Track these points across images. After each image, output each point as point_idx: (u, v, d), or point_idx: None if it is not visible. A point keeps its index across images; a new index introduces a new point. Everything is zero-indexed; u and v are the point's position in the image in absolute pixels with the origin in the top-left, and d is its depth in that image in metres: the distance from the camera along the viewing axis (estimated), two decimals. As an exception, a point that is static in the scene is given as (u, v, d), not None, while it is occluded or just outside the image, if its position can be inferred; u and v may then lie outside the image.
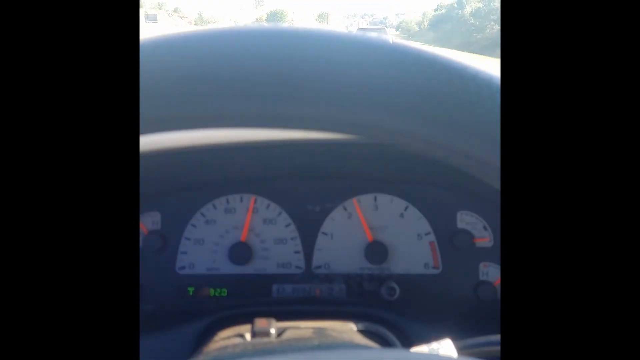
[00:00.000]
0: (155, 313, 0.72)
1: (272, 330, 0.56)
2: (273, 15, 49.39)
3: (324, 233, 0.76)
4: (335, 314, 0.64)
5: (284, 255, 0.76)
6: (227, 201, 0.76)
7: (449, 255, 0.76)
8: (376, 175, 0.77)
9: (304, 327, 0.59)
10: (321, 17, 78.04)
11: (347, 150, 0.69)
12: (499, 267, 0.75)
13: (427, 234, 0.76)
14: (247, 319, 0.59)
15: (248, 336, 0.56)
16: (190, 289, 0.74)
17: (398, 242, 0.76)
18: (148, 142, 0.61)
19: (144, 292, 0.73)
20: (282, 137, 0.65)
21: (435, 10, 70.60)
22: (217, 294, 0.74)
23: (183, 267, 0.74)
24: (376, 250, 0.75)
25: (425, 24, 61.22)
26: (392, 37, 13.29)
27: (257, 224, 0.76)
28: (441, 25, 51.73)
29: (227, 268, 0.75)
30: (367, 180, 0.77)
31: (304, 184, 0.77)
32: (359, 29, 13.72)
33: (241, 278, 0.74)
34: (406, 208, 0.76)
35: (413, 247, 0.76)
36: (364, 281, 0.75)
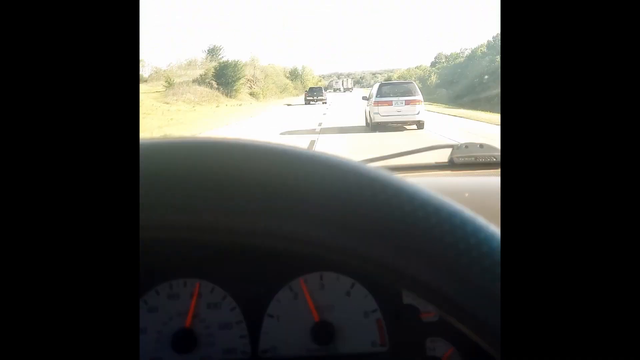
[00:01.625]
0: None
1: None
2: (224, 67, 44.93)
3: (270, 315, 0.75)
4: None
5: (229, 340, 0.74)
6: (170, 287, 0.75)
7: (396, 332, 0.75)
8: (321, 253, 0.77)
9: None
10: (293, 74, 78.48)
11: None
12: (446, 341, 0.75)
13: (373, 311, 0.76)
14: None
15: None
16: None
17: (345, 321, 0.75)
18: None
19: None
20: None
21: (435, 64, 68.90)
22: None
23: None
24: (323, 331, 0.74)
25: (434, 78, 56.78)
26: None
27: (201, 309, 0.75)
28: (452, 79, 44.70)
29: (171, 357, 0.73)
30: (312, 259, 0.77)
31: (249, 265, 0.77)
32: (381, 84, 13.51)
33: None
34: (352, 285, 0.76)
35: (360, 326, 0.75)
36: None
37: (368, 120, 14.03)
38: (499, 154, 1.04)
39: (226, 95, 43.75)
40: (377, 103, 12.82)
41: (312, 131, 13.67)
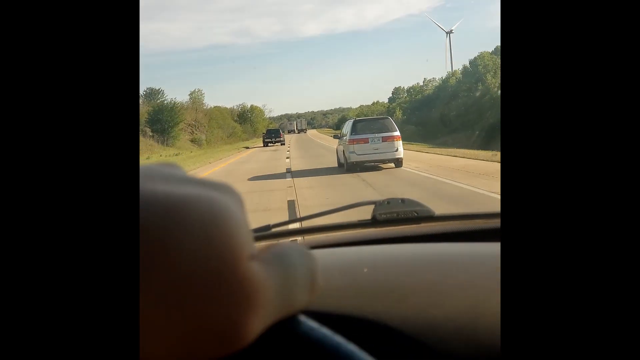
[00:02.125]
0: None
1: None
2: (160, 111, 39.74)
3: None
4: None
5: None
6: None
7: None
8: None
9: None
10: (241, 117, 72.95)
11: None
12: None
13: None
14: None
15: None
16: None
17: None
18: None
19: None
20: None
21: (392, 100, 65.52)
22: None
23: None
24: None
25: (399, 114, 49.95)
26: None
27: None
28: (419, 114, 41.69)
29: None
30: None
31: None
32: (355, 121, 12.41)
33: None
34: None
35: None
36: None
37: (342, 161, 13.05)
38: (421, 208, 1.08)
39: (162, 143, 38.80)
40: (352, 141, 11.83)
41: (283, 176, 12.53)
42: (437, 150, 19.52)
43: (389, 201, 1.09)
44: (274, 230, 1.12)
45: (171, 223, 0.21)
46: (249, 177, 12.76)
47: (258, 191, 9.55)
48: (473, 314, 0.58)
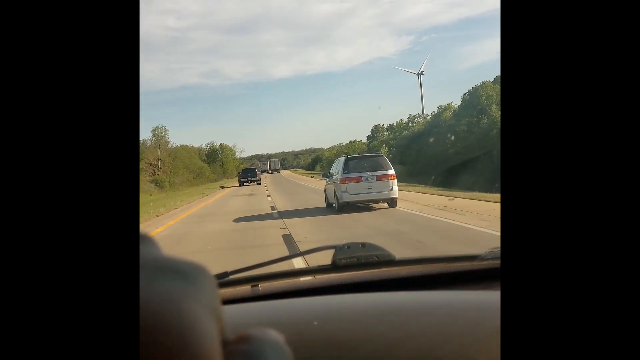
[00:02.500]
0: None
1: None
2: None
3: None
4: None
5: None
6: None
7: None
8: None
9: None
10: (210, 156, 67.88)
11: None
12: None
13: None
14: None
15: None
16: None
17: None
18: None
19: None
20: None
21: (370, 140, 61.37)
22: None
23: None
24: None
25: (384, 153, 47.67)
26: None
27: None
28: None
29: None
30: None
31: None
32: (348, 158, 11.58)
33: None
34: None
35: None
36: None
37: (331, 200, 12.35)
38: (381, 252, 1.09)
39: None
40: (345, 180, 11.17)
41: (270, 216, 11.70)
42: (437, 190, 17.77)
43: (349, 245, 1.09)
44: (231, 277, 1.05)
45: (144, 333, 0.21)
46: (233, 218, 11.88)
47: (249, 229, 8.74)
48: None
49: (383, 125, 65.72)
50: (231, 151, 76.50)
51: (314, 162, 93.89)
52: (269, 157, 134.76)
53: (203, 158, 63.65)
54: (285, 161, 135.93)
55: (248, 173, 38.75)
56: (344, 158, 11.95)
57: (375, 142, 57.50)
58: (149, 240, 0.26)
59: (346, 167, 11.42)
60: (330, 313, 0.81)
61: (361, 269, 1.10)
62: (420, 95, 70.51)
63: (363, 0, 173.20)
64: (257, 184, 36.66)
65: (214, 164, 67.25)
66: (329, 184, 12.73)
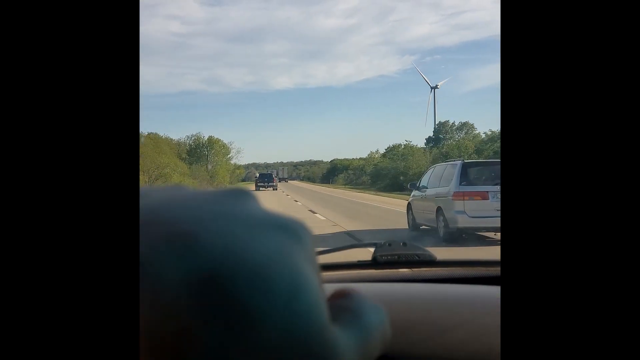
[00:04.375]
0: None
1: None
2: None
3: None
4: None
5: None
6: None
7: None
8: None
9: None
10: (194, 153, 54.26)
11: None
12: None
13: None
14: None
15: None
16: None
17: None
18: None
19: None
20: None
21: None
22: None
23: None
24: None
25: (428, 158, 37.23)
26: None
27: None
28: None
29: None
30: None
31: None
32: (465, 164, 7.72)
33: None
34: None
35: None
36: None
37: (422, 222, 8.73)
38: (422, 252, 1.08)
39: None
40: (461, 195, 7.52)
41: (341, 238, 8.03)
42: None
43: (390, 243, 1.08)
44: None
45: (257, 293, 0.21)
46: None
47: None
48: (473, 350, 0.63)
49: (453, 122, 51.80)
50: (224, 149, 54.47)
51: (329, 173, 74.87)
52: (266, 166, 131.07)
53: (184, 156, 47.08)
54: (278, 172, 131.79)
55: (265, 178, 40.57)
56: (458, 163, 8.15)
57: (449, 144, 42.68)
58: (249, 194, 0.26)
59: (463, 177, 7.75)
60: (379, 299, 0.76)
61: (401, 267, 1.07)
62: (427, 110, 65.71)
63: (368, 18, 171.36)
64: (274, 189, 37.50)
65: (199, 163, 49.26)
66: (419, 199, 9.07)
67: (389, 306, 0.75)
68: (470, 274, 1.03)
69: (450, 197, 7.68)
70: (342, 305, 0.27)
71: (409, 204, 9.74)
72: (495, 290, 0.79)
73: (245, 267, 0.21)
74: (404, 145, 43.95)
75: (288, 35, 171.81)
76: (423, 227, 9.02)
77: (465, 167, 7.92)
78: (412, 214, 9.43)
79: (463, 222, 7.49)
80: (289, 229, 0.24)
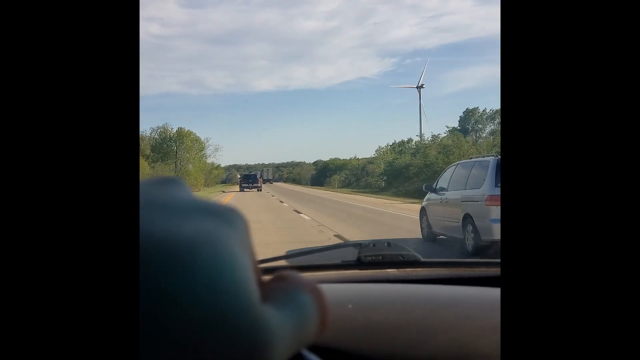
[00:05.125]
0: None
1: None
2: None
3: None
4: None
5: None
6: None
7: None
8: None
9: None
10: (160, 149, 45.20)
11: None
12: None
13: None
14: None
15: None
16: None
17: None
18: None
19: None
20: None
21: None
22: None
23: None
24: None
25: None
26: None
27: None
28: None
29: None
30: None
31: None
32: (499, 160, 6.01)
33: None
34: None
35: None
36: None
37: (440, 231, 7.25)
38: (407, 252, 1.06)
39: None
40: (496, 200, 5.99)
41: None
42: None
43: (374, 243, 1.07)
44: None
45: (176, 273, 0.21)
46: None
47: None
48: (461, 353, 0.61)
49: (484, 109, 42.83)
50: (197, 143, 45.57)
51: (319, 174, 66.97)
52: (247, 168, 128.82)
53: (147, 153, 40.98)
54: (264, 173, 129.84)
55: (249, 179, 39.71)
56: (492, 160, 6.58)
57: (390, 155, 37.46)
58: (181, 182, 0.27)
59: (500, 177, 6.22)
60: (363, 300, 0.81)
61: (385, 268, 1.07)
62: (418, 111, 63.03)
63: (349, 21, 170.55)
64: (258, 190, 36.92)
65: (167, 160, 41.92)
66: (437, 203, 7.53)
67: (373, 307, 0.74)
68: (454, 275, 1.04)
69: (484, 202, 6.15)
70: (279, 288, 0.28)
71: (422, 208, 8.17)
72: (479, 291, 0.81)
73: (163, 250, 0.22)
74: (416, 141, 37.14)
75: (267, 37, 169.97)
76: (441, 237, 7.50)
77: (499, 165, 6.35)
78: (426, 220, 7.87)
79: (500, 233, 5.95)
80: (219, 214, 0.25)
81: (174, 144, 43.66)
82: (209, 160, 49.87)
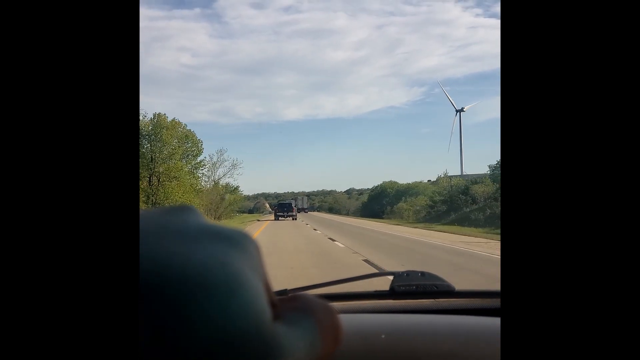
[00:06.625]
0: None
1: None
2: None
3: None
4: None
5: None
6: None
7: None
8: None
9: None
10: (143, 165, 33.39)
11: None
12: None
13: None
14: None
15: None
16: None
17: None
18: None
19: None
20: None
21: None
22: None
23: None
24: None
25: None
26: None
27: None
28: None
29: None
30: None
31: None
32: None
33: None
34: None
35: None
36: None
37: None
38: (441, 282, 1.06)
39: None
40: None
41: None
42: None
43: (408, 273, 1.06)
44: (290, 295, 0.90)
45: (189, 297, 0.22)
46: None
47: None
48: None
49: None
50: (191, 142, 28.17)
51: (374, 200, 49.41)
52: (277, 196, 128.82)
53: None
54: (296, 202, 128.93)
55: (284, 207, 38.23)
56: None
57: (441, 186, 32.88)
58: (192, 209, 0.28)
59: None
60: (396, 330, 0.82)
61: (419, 298, 1.07)
62: (451, 136, 57.02)
63: (377, 50, 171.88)
64: (293, 219, 35.66)
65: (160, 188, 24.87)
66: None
67: (405, 337, 0.76)
68: (489, 306, 1.03)
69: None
70: (292, 306, 0.29)
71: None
72: None
73: (176, 275, 0.23)
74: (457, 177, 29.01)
75: (296, 67, 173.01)
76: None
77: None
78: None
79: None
80: (230, 239, 0.26)
81: (146, 141, 24.76)
82: (223, 181, 34.47)
